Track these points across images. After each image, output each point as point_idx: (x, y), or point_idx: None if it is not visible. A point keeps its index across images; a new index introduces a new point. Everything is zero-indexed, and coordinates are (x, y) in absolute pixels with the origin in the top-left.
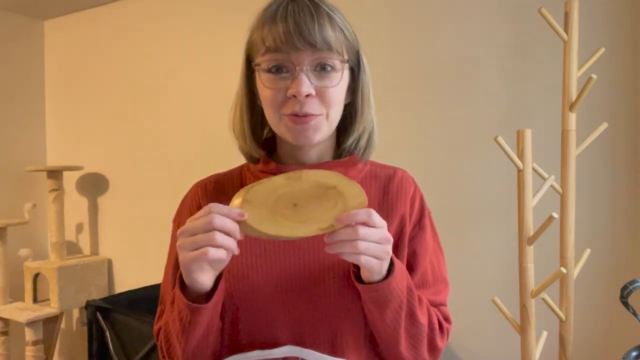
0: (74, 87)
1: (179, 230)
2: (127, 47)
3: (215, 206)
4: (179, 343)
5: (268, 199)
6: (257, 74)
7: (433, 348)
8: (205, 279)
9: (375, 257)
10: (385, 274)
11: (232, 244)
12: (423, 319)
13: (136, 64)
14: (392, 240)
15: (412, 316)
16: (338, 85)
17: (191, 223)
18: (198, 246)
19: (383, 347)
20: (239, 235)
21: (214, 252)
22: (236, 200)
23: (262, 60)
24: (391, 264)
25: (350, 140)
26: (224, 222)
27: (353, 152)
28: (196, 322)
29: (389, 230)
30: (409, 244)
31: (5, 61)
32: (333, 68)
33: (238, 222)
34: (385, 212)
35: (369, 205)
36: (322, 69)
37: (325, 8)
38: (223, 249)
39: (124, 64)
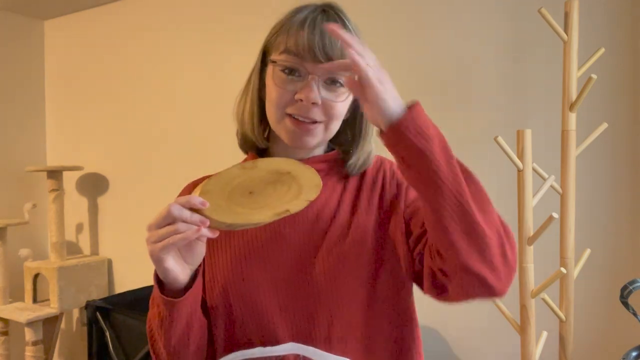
0: (74, 87)
1: (146, 225)
2: (127, 47)
3: (177, 199)
4: (160, 339)
5: (224, 189)
6: (269, 69)
7: (508, 234)
8: (178, 271)
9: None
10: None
11: (191, 228)
12: (479, 182)
13: (136, 64)
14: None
15: (465, 171)
16: (344, 102)
17: (155, 216)
18: (164, 237)
19: (458, 224)
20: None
21: (176, 237)
22: (195, 194)
23: (279, 59)
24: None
25: (352, 160)
26: (182, 210)
27: (349, 168)
28: (173, 317)
29: (376, 219)
30: (409, 201)
31: (5, 61)
32: (343, 85)
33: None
34: (364, 203)
35: (348, 201)
36: (332, 82)
37: (351, 28)
38: (184, 234)
39: (124, 64)
